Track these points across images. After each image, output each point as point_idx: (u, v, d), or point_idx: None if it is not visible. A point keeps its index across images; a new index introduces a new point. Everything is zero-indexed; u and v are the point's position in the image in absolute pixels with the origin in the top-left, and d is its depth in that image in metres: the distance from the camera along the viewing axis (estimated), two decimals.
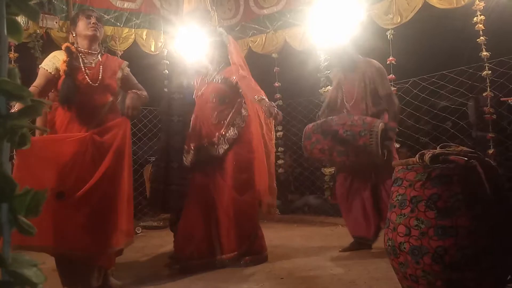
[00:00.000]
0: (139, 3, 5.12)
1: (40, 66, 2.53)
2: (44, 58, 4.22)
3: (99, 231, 2.33)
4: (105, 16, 4.83)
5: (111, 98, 2.56)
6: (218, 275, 2.73)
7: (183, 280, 2.68)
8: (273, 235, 4.09)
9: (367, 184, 3.19)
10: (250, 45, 5.61)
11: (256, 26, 5.55)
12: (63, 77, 2.44)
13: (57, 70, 2.46)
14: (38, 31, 4.29)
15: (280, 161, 5.54)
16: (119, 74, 2.63)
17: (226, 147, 2.97)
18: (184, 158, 3.03)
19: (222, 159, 2.97)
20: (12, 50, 4.12)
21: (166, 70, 5.29)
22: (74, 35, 2.58)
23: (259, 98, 2.89)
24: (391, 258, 1.94)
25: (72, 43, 2.59)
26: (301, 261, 3.03)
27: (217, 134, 2.99)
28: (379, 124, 2.97)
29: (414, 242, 1.80)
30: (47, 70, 2.47)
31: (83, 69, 2.51)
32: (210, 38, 3.09)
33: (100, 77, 2.53)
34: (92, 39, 2.56)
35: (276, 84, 5.53)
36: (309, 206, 5.22)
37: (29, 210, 0.51)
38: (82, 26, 2.55)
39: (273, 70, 5.51)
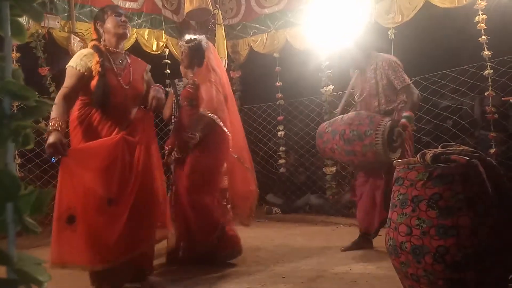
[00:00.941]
0: (141, 2, 5.12)
1: (68, 65, 2.45)
2: (46, 58, 4.25)
3: (141, 233, 2.34)
4: None
5: (138, 101, 2.57)
6: (220, 274, 2.74)
7: (185, 279, 2.69)
8: (275, 235, 4.10)
9: (381, 182, 3.16)
10: (252, 44, 5.62)
11: (258, 26, 5.55)
12: (96, 77, 2.39)
13: (90, 69, 2.39)
14: (40, 31, 4.30)
15: (281, 161, 5.54)
16: (145, 77, 2.63)
17: (188, 150, 2.99)
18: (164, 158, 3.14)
19: (184, 161, 3.01)
20: (14, 50, 4.13)
21: (167, 70, 5.30)
22: (100, 32, 2.52)
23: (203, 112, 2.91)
24: (392, 257, 1.94)
25: (93, 40, 2.54)
26: (302, 260, 3.03)
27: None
28: (387, 123, 2.94)
29: (415, 242, 1.80)
30: (79, 70, 2.39)
31: (115, 69, 2.47)
32: (188, 43, 3.12)
33: (131, 79, 2.51)
34: (122, 38, 2.53)
35: (278, 84, 5.53)
36: (310, 206, 5.21)
37: (34, 209, 0.52)
38: (112, 23, 2.48)
39: (274, 70, 5.51)
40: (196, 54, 3.10)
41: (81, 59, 2.42)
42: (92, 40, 2.59)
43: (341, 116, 3.24)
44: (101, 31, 2.53)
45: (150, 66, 2.72)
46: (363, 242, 3.27)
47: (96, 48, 2.47)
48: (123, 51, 2.58)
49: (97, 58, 2.41)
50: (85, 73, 2.40)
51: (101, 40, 2.54)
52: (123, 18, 2.50)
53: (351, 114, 3.19)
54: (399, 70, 3.09)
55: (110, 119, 2.43)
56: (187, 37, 3.18)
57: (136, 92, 2.53)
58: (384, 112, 3.13)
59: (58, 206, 2.25)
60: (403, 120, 2.98)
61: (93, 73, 2.39)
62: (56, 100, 2.32)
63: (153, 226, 2.44)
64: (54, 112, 2.25)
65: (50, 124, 2.22)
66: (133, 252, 2.32)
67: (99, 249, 2.22)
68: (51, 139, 2.16)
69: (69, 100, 2.37)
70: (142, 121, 2.51)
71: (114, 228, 2.26)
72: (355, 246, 3.26)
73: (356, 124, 3.01)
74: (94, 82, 2.39)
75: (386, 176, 3.12)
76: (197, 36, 3.17)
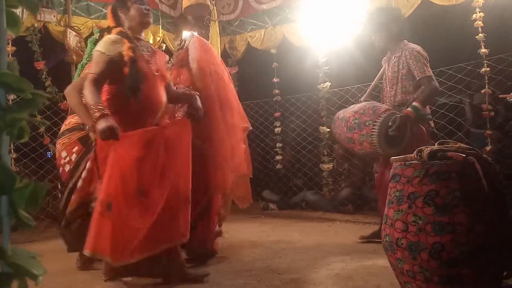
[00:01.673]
0: None
1: (96, 49, 2.36)
2: (42, 52, 4.21)
3: (169, 230, 2.32)
4: (103, 10, 4.80)
5: (166, 90, 2.56)
6: (216, 269, 2.74)
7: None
8: (271, 231, 4.11)
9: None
10: (249, 40, 5.60)
11: (255, 22, 5.53)
12: (128, 63, 2.32)
13: (120, 55, 2.31)
14: (35, 25, 4.26)
15: (278, 157, 5.54)
16: (168, 66, 2.65)
17: None
18: None
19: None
20: (10, 43, 4.10)
21: None
22: (122, 19, 2.47)
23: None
24: (388, 253, 1.94)
25: (114, 27, 2.49)
26: (298, 256, 3.04)
27: None
28: (388, 115, 2.90)
29: (411, 238, 1.80)
30: (108, 55, 2.31)
31: (145, 56, 2.43)
32: (177, 51, 3.19)
33: (159, 67, 2.50)
34: (146, 26, 2.50)
35: (275, 80, 5.52)
36: (306, 202, 5.22)
37: (29, 203, 0.51)
38: (137, 11, 2.44)
39: (271, 66, 5.50)
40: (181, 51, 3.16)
41: (110, 44, 2.33)
42: (112, 27, 2.51)
43: (354, 104, 3.24)
44: (123, 18, 2.48)
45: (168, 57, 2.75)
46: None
47: (123, 34, 2.40)
48: (143, 39, 2.55)
49: (128, 44, 2.34)
50: (115, 59, 2.31)
51: (124, 27, 2.49)
52: (147, 7, 2.48)
53: (362, 103, 3.17)
54: (421, 60, 3.01)
55: (142, 108, 2.37)
56: (176, 45, 3.28)
57: (165, 81, 2.53)
58: (398, 103, 3.11)
59: (104, 190, 2.23)
60: (407, 109, 2.93)
61: (125, 58, 2.32)
62: (87, 87, 2.24)
63: (181, 226, 2.38)
64: (92, 98, 2.19)
65: (95, 109, 2.16)
66: (157, 250, 2.27)
67: (125, 244, 2.18)
68: (104, 123, 2.11)
69: (99, 86, 2.30)
70: (182, 125, 2.52)
71: (144, 221, 2.22)
72: (374, 236, 3.24)
73: (360, 113, 2.99)
74: (126, 69, 2.32)
75: None
76: (182, 38, 3.23)
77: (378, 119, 2.89)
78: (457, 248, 1.72)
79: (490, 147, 3.81)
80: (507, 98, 2.56)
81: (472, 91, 4.13)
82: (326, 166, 5.00)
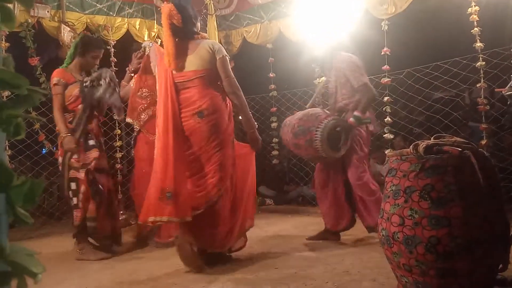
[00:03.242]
0: None
1: (226, 54, 2.76)
2: (36, 48, 4.18)
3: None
4: (97, 5, 4.77)
5: None
6: (212, 264, 2.74)
7: (178, 270, 2.70)
8: (268, 226, 4.12)
9: (340, 176, 3.29)
10: (245, 35, 5.58)
11: (251, 16, 5.51)
12: None
13: None
14: (29, 20, 4.23)
15: (274, 152, 5.54)
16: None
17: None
18: None
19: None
20: (3, 39, 4.06)
21: None
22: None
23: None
24: (385, 247, 1.95)
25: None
26: (295, 251, 3.05)
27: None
28: (329, 122, 3.08)
29: (407, 232, 1.81)
30: None
31: None
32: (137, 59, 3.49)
33: None
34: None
35: (271, 75, 5.51)
36: (303, 197, 5.23)
37: (26, 200, 0.51)
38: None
39: (267, 61, 5.48)
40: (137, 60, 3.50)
41: None
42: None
43: (299, 112, 3.40)
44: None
45: None
46: (328, 234, 3.32)
47: None
48: None
49: None
50: None
51: None
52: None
53: (306, 110, 3.35)
54: (356, 69, 3.18)
55: None
56: (135, 54, 3.58)
57: None
58: (338, 109, 3.27)
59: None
60: (350, 119, 3.12)
61: None
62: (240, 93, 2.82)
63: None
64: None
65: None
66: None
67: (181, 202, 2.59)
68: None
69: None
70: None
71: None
72: (322, 236, 3.32)
73: (304, 120, 3.17)
74: None
75: (344, 175, 3.25)
76: (142, 46, 3.46)
77: (320, 125, 3.07)
78: (452, 241, 1.73)
79: (485, 140, 3.82)
80: (503, 92, 2.56)
81: (468, 85, 4.14)
82: None
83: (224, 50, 2.77)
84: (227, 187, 2.74)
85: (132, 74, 3.63)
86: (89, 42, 3.42)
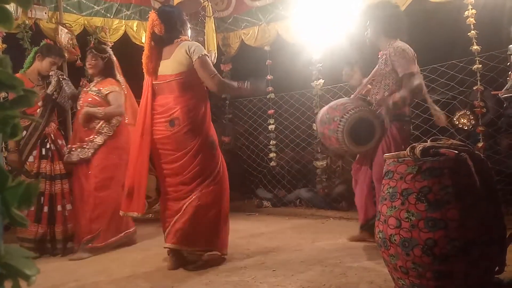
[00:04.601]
0: None
1: (206, 54, 2.73)
2: (32, 50, 4.19)
3: None
4: (95, 7, 4.77)
5: None
6: (209, 267, 2.73)
7: (175, 271, 2.70)
8: (265, 228, 4.11)
9: (369, 172, 3.14)
10: (243, 37, 5.58)
11: (249, 19, 5.51)
12: None
13: None
14: (27, 22, 4.22)
15: (272, 155, 5.54)
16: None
17: (92, 151, 3.38)
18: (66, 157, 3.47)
19: (88, 161, 3.39)
20: (0, 41, 4.05)
21: None
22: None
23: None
24: (382, 250, 1.95)
25: None
26: (292, 253, 3.05)
27: (86, 139, 3.41)
28: (355, 112, 2.87)
29: (404, 234, 1.82)
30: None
31: None
32: (102, 53, 3.51)
33: None
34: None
35: (269, 77, 5.51)
36: (300, 199, 5.23)
37: (21, 202, 0.50)
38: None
39: (265, 63, 5.49)
40: (108, 66, 3.52)
41: None
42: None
43: (335, 100, 3.24)
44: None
45: None
46: (364, 234, 3.19)
47: None
48: None
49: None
50: None
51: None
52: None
53: (343, 99, 3.19)
54: (405, 57, 2.89)
55: None
56: (100, 46, 3.66)
57: None
58: (377, 102, 3.06)
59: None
60: (395, 94, 2.86)
61: None
62: (226, 80, 2.92)
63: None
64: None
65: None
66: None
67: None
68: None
69: None
70: None
71: None
72: (358, 237, 3.23)
73: (333, 108, 3.00)
74: None
75: (370, 169, 3.13)
76: (107, 47, 3.61)
77: (345, 115, 2.87)
78: (449, 243, 1.74)
79: (482, 143, 3.83)
80: (499, 94, 2.57)
81: (465, 87, 4.15)
82: (320, 163, 5.01)
83: (202, 49, 2.73)
84: (213, 187, 2.78)
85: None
86: (50, 48, 3.61)
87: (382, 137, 2.97)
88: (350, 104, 2.97)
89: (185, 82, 2.73)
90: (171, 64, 2.73)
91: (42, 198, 3.35)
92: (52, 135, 3.49)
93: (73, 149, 3.42)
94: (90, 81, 3.77)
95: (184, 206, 2.72)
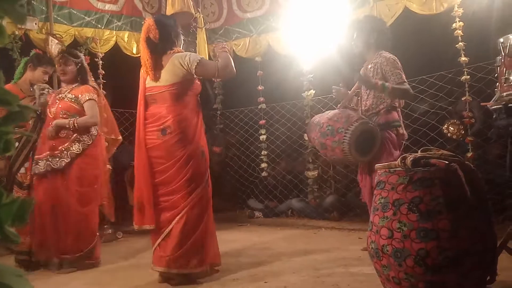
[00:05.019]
0: (121, 5, 5.07)
1: (200, 57, 2.73)
2: (22, 60, 4.17)
3: None
4: (86, 18, 4.76)
5: None
6: (201, 278, 2.71)
7: (165, 284, 2.67)
8: (257, 239, 4.09)
9: (369, 180, 3.16)
10: (234, 48, 5.60)
11: (240, 30, 5.55)
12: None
13: None
14: (17, 33, 4.20)
15: (263, 165, 5.54)
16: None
17: (67, 161, 3.18)
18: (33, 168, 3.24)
19: (63, 172, 3.19)
20: None
21: None
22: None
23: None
24: (374, 260, 1.96)
25: None
26: (284, 264, 3.03)
27: (60, 147, 3.19)
28: (360, 124, 2.96)
29: (396, 245, 1.82)
30: None
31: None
32: (76, 58, 3.39)
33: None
34: None
35: (260, 88, 5.54)
36: (292, 210, 5.23)
37: (15, 219, 0.50)
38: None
39: (256, 74, 5.51)
40: (82, 71, 3.40)
41: None
42: None
43: (330, 111, 3.26)
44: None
45: None
46: None
47: None
48: None
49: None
50: None
51: None
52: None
53: (336, 110, 3.23)
54: (397, 67, 3.07)
55: None
56: (72, 51, 3.52)
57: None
58: (371, 111, 3.16)
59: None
60: (377, 80, 2.99)
61: None
62: (222, 61, 2.76)
63: None
64: None
65: None
66: None
67: None
68: None
69: None
70: None
71: None
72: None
73: (334, 120, 3.06)
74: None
75: (369, 177, 3.15)
76: (79, 53, 3.52)
77: (350, 127, 2.96)
78: (441, 254, 1.74)
79: (471, 153, 3.88)
80: (488, 105, 2.61)
81: (453, 98, 4.21)
82: (311, 174, 5.02)
83: (196, 55, 2.76)
84: (202, 198, 2.75)
85: None
86: (41, 58, 3.59)
87: (381, 145, 3.05)
88: (352, 115, 3.05)
89: (178, 92, 2.73)
90: (164, 75, 2.73)
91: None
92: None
93: (41, 159, 3.17)
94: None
95: (171, 226, 2.69)
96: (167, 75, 2.73)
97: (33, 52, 3.68)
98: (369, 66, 3.21)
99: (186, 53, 2.77)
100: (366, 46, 3.25)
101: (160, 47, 2.76)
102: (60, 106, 3.27)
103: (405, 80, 3.07)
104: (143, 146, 2.77)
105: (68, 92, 3.31)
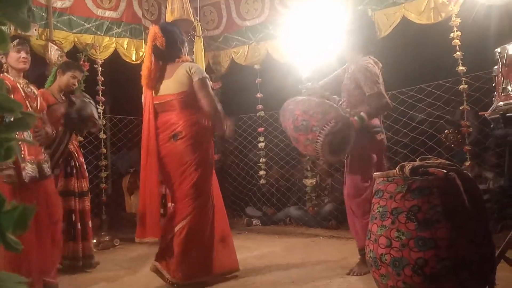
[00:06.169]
0: (121, 12, 5.08)
1: (205, 76, 2.77)
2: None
3: None
4: (85, 24, 4.78)
5: None
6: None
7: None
8: (255, 247, 4.08)
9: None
10: (233, 56, 5.63)
11: (239, 38, 5.57)
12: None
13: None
14: None
15: (261, 172, 5.54)
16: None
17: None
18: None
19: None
20: None
21: None
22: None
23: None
24: (373, 269, 1.95)
25: None
26: (282, 273, 3.02)
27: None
28: (336, 125, 2.67)
29: (395, 254, 1.82)
30: None
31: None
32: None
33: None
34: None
35: (258, 95, 5.55)
36: (290, 218, 5.22)
37: (17, 226, 0.50)
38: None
39: (255, 81, 5.53)
40: None
41: None
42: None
43: (308, 97, 2.99)
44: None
45: None
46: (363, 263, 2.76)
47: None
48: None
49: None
50: None
51: None
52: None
53: (316, 99, 2.91)
54: (369, 77, 2.83)
55: None
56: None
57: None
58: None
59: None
60: (352, 117, 2.76)
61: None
62: (219, 108, 2.83)
63: None
64: None
65: None
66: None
67: None
68: None
69: None
70: None
71: None
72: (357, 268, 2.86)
73: (310, 114, 2.76)
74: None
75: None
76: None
77: (325, 126, 2.67)
78: (440, 263, 1.74)
79: (469, 162, 3.89)
80: (486, 115, 2.62)
81: (451, 107, 4.23)
82: (309, 181, 5.02)
83: (202, 72, 2.77)
84: (206, 206, 2.74)
85: None
86: (69, 63, 3.63)
87: (359, 148, 2.83)
88: (329, 112, 2.75)
89: (186, 100, 2.74)
90: (172, 84, 2.74)
91: (73, 215, 3.31)
92: (75, 153, 3.43)
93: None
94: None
95: (174, 233, 2.66)
96: (175, 84, 2.74)
97: (60, 60, 3.85)
98: (348, 71, 3.03)
99: (195, 64, 2.82)
100: (347, 49, 3.07)
101: (167, 54, 2.77)
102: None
103: (379, 90, 2.83)
104: (153, 156, 2.74)
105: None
